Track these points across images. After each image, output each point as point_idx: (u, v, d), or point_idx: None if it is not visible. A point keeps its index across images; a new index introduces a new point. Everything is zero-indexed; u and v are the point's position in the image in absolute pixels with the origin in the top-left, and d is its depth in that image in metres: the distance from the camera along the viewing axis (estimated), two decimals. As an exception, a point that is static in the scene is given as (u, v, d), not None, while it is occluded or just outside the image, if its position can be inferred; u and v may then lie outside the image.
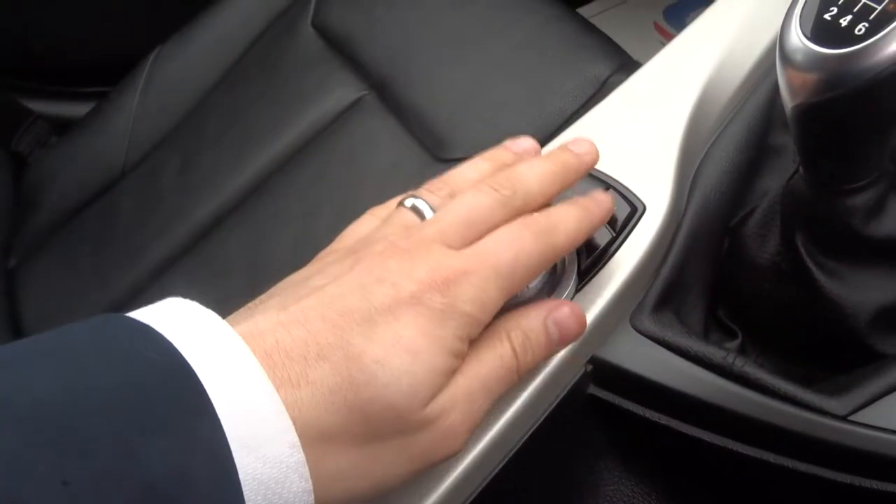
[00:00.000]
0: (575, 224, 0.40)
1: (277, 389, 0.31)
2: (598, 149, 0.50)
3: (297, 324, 0.34)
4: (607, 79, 0.81)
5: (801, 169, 0.43)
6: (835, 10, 0.36)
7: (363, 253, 0.37)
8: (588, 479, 0.50)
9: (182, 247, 0.90)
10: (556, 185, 0.41)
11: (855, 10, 0.35)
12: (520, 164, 0.42)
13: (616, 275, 0.46)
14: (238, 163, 0.92)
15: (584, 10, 1.40)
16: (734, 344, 0.50)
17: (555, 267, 0.45)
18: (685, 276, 0.48)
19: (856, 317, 0.44)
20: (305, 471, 0.31)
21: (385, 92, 0.89)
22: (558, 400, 0.46)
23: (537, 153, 0.45)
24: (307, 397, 0.32)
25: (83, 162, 1.03)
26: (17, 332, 0.91)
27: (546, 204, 0.41)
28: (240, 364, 0.31)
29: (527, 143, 0.45)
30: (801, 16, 0.37)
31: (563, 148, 0.43)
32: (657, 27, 1.42)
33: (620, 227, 0.47)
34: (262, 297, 0.37)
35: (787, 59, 0.37)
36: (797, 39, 0.36)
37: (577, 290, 0.46)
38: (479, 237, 0.38)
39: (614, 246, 0.47)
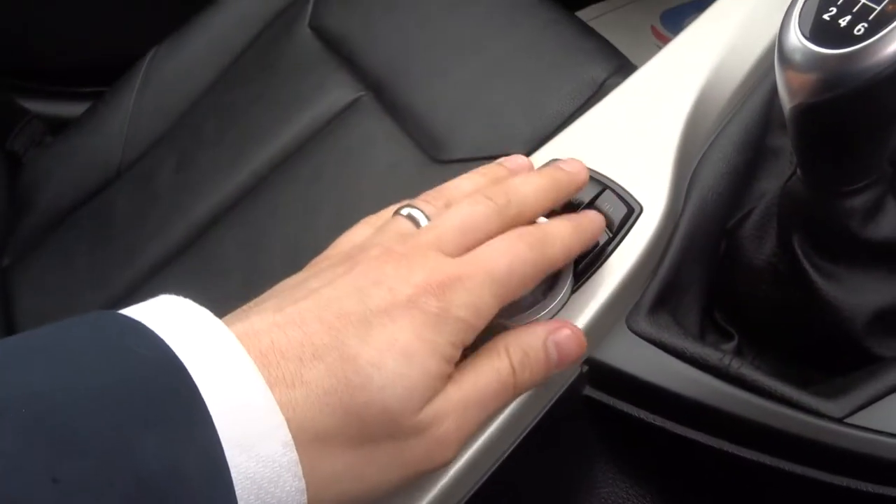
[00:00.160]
0: (569, 236, 0.41)
1: (272, 388, 0.31)
2: (595, 150, 0.50)
3: (293, 325, 0.34)
4: (604, 81, 0.81)
5: (798, 171, 0.43)
6: (834, 10, 0.36)
7: (359, 258, 0.37)
8: (583, 480, 0.50)
9: (178, 246, 0.90)
10: (549, 200, 0.42)
11: (854, 10, 0.35)
12: (514, 177, 0.42)
13: (612, 276, 0.46)
14: (235, 163, 0.91)
15: (582, 14, 1.40)
16: (731, 346, 0.50)
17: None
18: (682, 277, 0.48)
19: (853, 319, 0.44)
20: (298, 470, 0.31)
21: (382, 93, 0.89)
22: (554, 401, 0.45)
23: (531, 170, 0.45)
24: (301, 398, 0.32)
25: (79, 161, 1.03)
26: (11, 331, 0.90)
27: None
28: (232, 361, 0.31)
29: (521, 160, 0.46)
30: (800, 16, 0.37)
31: (556, 166, 0.44)
32: (654, 31, 1.42)
33: (617, 228, 0.47)
34: (258, 299, 0.37)
35: (785, 60, 0.37)
36: (796, 39, 0.36)
37: (573, 290, 0.46)
38: (475, 245, 0.38)
39: (611, 247, 0.47)
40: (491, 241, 0.38)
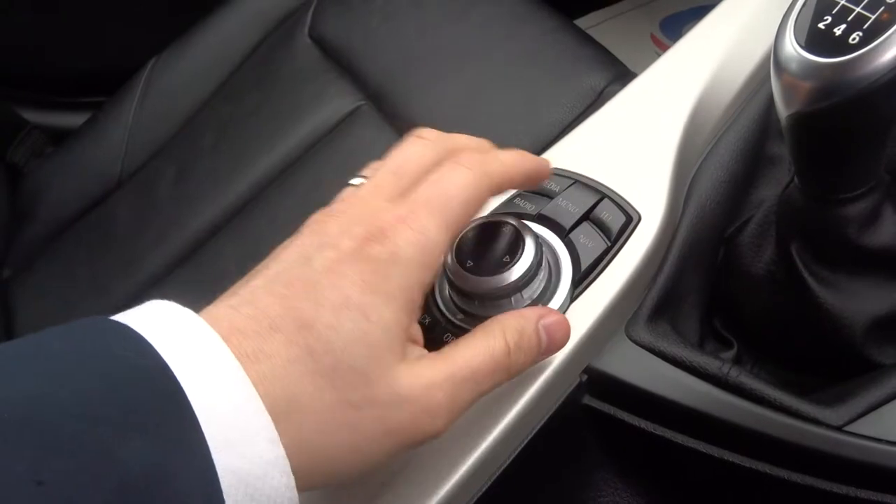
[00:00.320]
0: (509, 156, 0.40)
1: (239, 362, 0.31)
2: (594, 158, 0.50)
3: (246, 304, 0.34)
4: (603, 89, 0.81)
5: (796, 179, 0.43)
6: (829, 19, 0.36)
7: (302, 229, 0.37)
8: (583, 490, 0.50)
9: (178, 256, 0.90)
10: (484, 146, 0.41)
11: (849, 19, 0.35)
12: None
13: (611, 284, 0.46)
14: (234, 173, 0.92)
15: (581, 22, 1.41)
16: (730, 354, 0.50)
17: (549, 276, 0.45)
18: (681, 285, 0.48)
19: (851, 326, 0.44)
20: (286, 466, 0.31)
21: (382, 102, 0.89)
22: (553, 410, 0.45)
23: None
24: (268, 370, 0.32)
25: (79, 172, 1.03)
26: (12, 342, 0.90)
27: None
28: (216, 360, 0.31)
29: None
30: (795, 25, 0.37)
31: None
32: (654, 39, 1.42)
33: (615, 236, 0.47)
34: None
35: (781, 68, 0.37)
36: (792, 48, 0.36)
37: (573, 299, 0.46)
38: (415, 185, 0.38)
39: (609, 255, 0.47)
40: (428, 175, 0.38)
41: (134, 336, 0.31)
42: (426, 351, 0.38)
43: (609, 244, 0.47)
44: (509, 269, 0.42)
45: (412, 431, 0.35)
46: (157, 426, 0.29)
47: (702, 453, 0.44)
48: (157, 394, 0.29)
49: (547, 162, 0.43)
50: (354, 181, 0.40)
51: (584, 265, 0.46)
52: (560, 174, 0.50)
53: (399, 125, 0.86)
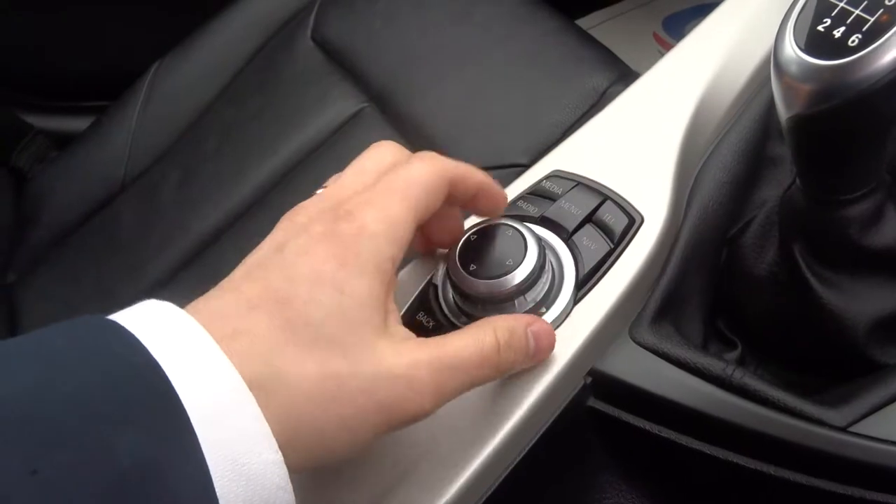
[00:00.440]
0: (465, 165, 0.42)
1: (217, 343, 0.32)
2: (596, 160, 0.50)
3: (227, 292, 0.35)
4: (606, 90, 0.81)
5: (797, 180, 0.43)
6: (828, 21, 0.36)
7: (276, 227, 0.39)
8: (588, 492, 0.50)
9: (182, 260, 0.90)
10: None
11: (848, 21, 0.35)
12: None
13: (614, 286, 0.46)
14: (238, 176, 0.92)
15: (582, 22, 1.40)
16: (733, 355, 0.50)
17: (553, 279, 0.45)
18: (684, 287, 0.48)
19: (854, 327, 0.44)
20: (273, 443, 0.32)
21: (385, 104, 0.89)
22: (558, 412, 0.45)
23: None
24: (248, 346, 0.33)
25: (83, 176, 1.03)
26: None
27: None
28: (206, 356, 0.32)
29: None
30: (795, 27, 0.37)
31: None
32: (656, 37, 1.42)
33: (618, 238, 0.47)
34: None
35: (781, 71, 0.37)
36: (791, 51, 0.36)
37: (576, 302, 0.46)
38: (377, 180, 0.39)
39: (612, 257, 0.47)
40: (391, 168, 0.40)
41: (126, 334, 0.31)
42: (414, 335, 0.38)
43: (612, 246, 0.47)
44: (512, 272, 0.42)
45: (398, 408, 0.35)
46: (150, 421, 0.29)
47: (706, 455, 0.44)
48: (150, 390, 0.30)
49: (503, 193, 0.45)
50: (319, 191, 0.42)
51: (587, 267, 0.46)
52: (562, 176, 0.50)
53: (402, 127, 0.86)
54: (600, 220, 0.47)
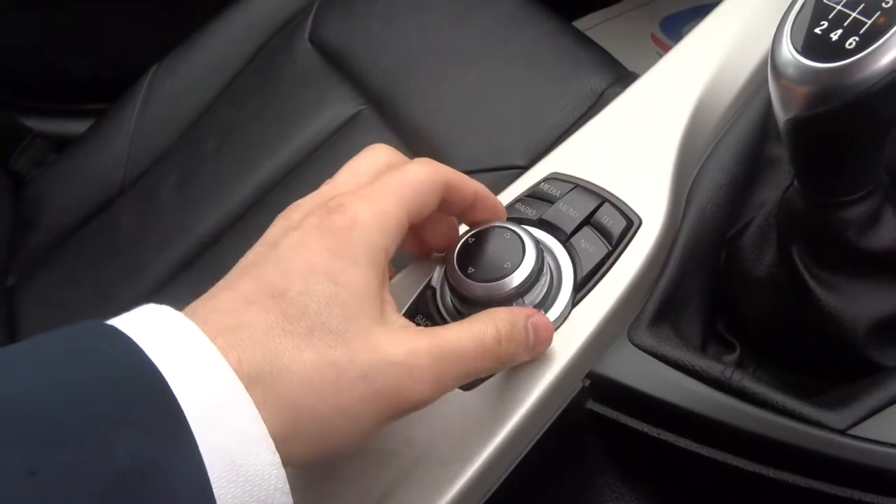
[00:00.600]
0: (459, 173, 0.42)
1: (215, 339, 0.32)
2: (594, 162, 0.50)
3: (223, 290, 0.36)
4: (603, 92, 0.81)
5: (795, 182, 0.43)
6: (825, 24, 0.36)
7: (271, 225, 0.39)
8: (587, 494, 0.50)
9: (182, 262, 0.90)
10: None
11: (845, 24, 0.35)
12: None
13: (613, 289, 0.46)
14: (237, 178, 0.92)
15: (579, 23, 1.40)
16: (732, 357, 0.50)
17: (551, 282, 0.45)
18: (682, 289, 0.48)
19: (853, 329, 0.44)
20: (270, 443, 0.32)
21: (382, 106, 0.89)
22: (556, 415, 0.45)
23: None
24: (247, 338, 0.33)
25: (82, 179, 1.03)
26: (17, 350, 0.90)
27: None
28: (202, 357, 0.32)
29: None
30: (792, 30, 0.37)
31: None
32: (654, 38, 1.42)
33: (616, 240, 0.47)
34: None
35: (778, 73, 0.37)
36: (788, 53, 0.36)
37: (574, 304, 0.46)
38: (371, 180, 0.40)
39: (610, 260, 0.47)
40: (385, 170, 0.40)
41: (123, 338, 0.32)
42: (412, 324, 0.38)
43: (610, 248, 0.47)
44: (510, 275, 0.42)
45: (397, 395, 0.35)
46: (149, 422, 0.30)
47: (705, 457, 0.44)
48: (148, 392, 0.30)
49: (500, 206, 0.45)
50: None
51: (586, 270, 0.46)
52: (560, 178, 0.50)
53: (400, 129, 0.86)
54: (598, 222, 0.48)
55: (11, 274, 1.00)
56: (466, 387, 0.44)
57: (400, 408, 0.36)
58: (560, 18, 0.91)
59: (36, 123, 1.16)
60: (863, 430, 0.40)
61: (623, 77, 0.82)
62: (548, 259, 0.45)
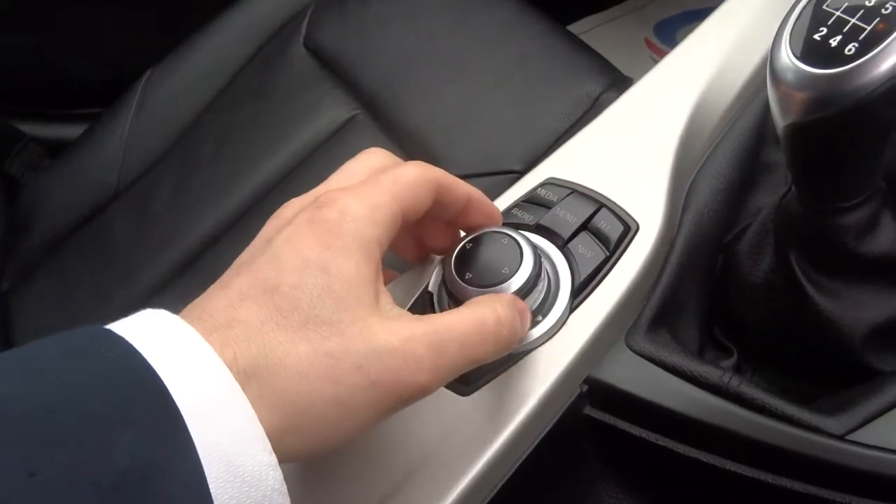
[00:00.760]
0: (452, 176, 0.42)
1: (210, 336, 0.32)
2: (591, 167, 0.50)
3: (218, 289, 0.36)
4: (599, 96, 0.81)
5: (793, 187, 0.43)
6: (824, 30, 0.36)
7: (265, 225, 0.40)
8: (585, 501, 0.50)
9: (177, 267, 0.90)
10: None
11: (844, 30, 0.35)
12: None
13: (610, 294, 0.46)
14: (232, 183, 0.92)
15: (573, 27, 1.41)
16: (730, 362, 0.50)
17: (548, 287, 0.45)
18: (680, 294, 0.48)
19: (851, 334, 0.44)
20: (267, 444, 0.32)
21: (377, 111, 0.89)
22: (554, 421, 0.45)
23: None
24: (241, 333, 0.33)
25: (76, 184, 1.03)
26: (10, 356, 0.90)
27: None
28: (196, 357, 0.32)
29: None
30: (791, 36, 0.37)
31: None
32: (648, 43, 1.43)
33: (614, 246, 0.47)
34: None
35: (777, 79, 0.37)
36: (787, 59, 0.36)
37: (572, 310, 0.46)
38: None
39: (608, 265, 0.47)
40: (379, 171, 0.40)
41: (120, 340, 0.32)
42: (408, 312, 0.38)
43: (607, 254, 0.47)
44: (508, 280, 0.42)
45: (394, 384, 0.35)
46: (149, 423, 0.30)
47: (703, 463, 0.44)
48: (147, 393, 0.30)
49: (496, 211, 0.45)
50: None
51: (583, 275, 0.46)
52: (557, 184, 0.50)
53: (395, 134, 0.86)
54: (596, 227, 0.47)
55: (5, 278, 1.00)
56: (464, 392, 0.44)
57: (399, 397, 0.35)
58: (555, 23, 0.91)
59: (30, 128, 1.15)
60: (861, 435, 0.40)
61: (618, 81, 0.82)
62: (545, 264, 0.45)
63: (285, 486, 0.32)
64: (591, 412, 0.47)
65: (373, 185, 0.38)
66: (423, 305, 0.46)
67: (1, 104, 1.16)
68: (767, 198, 0.51)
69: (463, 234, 0.45)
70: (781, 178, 0.52)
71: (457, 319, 0.37)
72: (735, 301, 0.50)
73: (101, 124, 1.05)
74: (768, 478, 0.43)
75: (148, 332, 0.32)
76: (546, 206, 0.49)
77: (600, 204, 0.48)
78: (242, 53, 1.02)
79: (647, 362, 0.45)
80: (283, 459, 0.33)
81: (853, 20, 0.35)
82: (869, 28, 0.35)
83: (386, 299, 0.37)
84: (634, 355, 0.46)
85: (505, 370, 0.44)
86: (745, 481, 0.43)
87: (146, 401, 0.30)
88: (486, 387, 0.44)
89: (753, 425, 0.42)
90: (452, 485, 0.42)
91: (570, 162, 0.52)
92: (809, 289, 0.45)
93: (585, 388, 0.46)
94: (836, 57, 0.35)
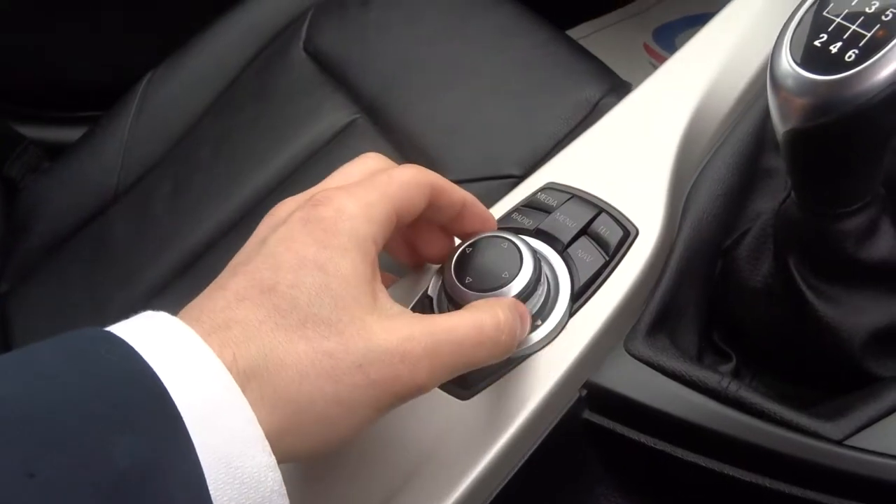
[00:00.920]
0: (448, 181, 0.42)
1: (209, 337, 0.32)
2: (590, 172, 0.50)
3: (215, 290, 0.36)
4: (598, 101, 0.81)
5: (792, 193, 0.43)
6: (825, 36, 0.36)
7: (259, 224, 0.40)
8: (584, 504, 0.50)
9: (176, 270, 0.90)
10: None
11: (845, 36, 0.35)
12: None
13: (609, 299, 0.46)
14: (231, 186, 0.92)
15: (573, 32, 1.41)
16: (729, 367, 0.50)
17: (548, 291, 0.45)
18: (679, 299, 0.48)
19: (850, 340, 0.44)
20: (266, 445, 0.32)
21: (377, 115, 0.89)
22: (553, 425, 0.45)
23: None
24: (240, 334, 0.33)
25: (75, 187, 1.03)
26: (9, 358, 0.90)
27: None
28: (196, 359, 0.32)
29: None
30: (791, 42, 0.37)
31: None
32: (647, 48, 1.43)
33: (613, 251, 0.47)
34: None
35: (778, 85, 0.37)
36: (788, 65, 0.37)
37: (571, 314, 0.46)
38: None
39: (607, 270, 0.47)
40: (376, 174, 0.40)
41: (120, 342, 0.32)
42: (408, 310, 0.38)
43: (607, 259, 0.47)
44: (508, 284, 0.42)
45: (393, 383, 0.35)
46: (148, 423, 0.30)
47: (702, 467, 0.44)
48: (146, 394, 0.30)
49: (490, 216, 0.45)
50: None
51: (583, 280, 0.46)
52: (557, 189, 0.50)
53: (394, 138, 0.86)
54: (595, 232, 0.48)
55: (5, 280, 1.00)
56: (463, 395, 0.44)
57: (397, 396, 0.35)
58: (554, 28, 0.91)
59: (29, 131, 1.15)
60: (859, 440, 0.41)
61: (618, 86, 0.82)
62: (545, 269, 0.45)
63: (284, 488, 0.33)
64: (590, 416, 0.47)
65: (367, 185, 0.38)
66: (423, 309, 0.46)
67: (1, 106, 1.16)
68: (767, 203, 0.52)
69: (458, 241, 0.45)
70: (781, 183, 0.52)
71: (456, 322, 0.37)
72: (734, 306, 0.50)
73: (101, 127, 1.05)
74: (766, 482, 0.43)
75: (147, 334, 0.32)
76: (546, 210, 0.49)
77: (600, 209, 0.48)
78: (242, 57, 1.02)
79: (645, 367, 0.45)
80: (283, 459, 0.33)
81: (853, 27, 0.35)
82: (869, 34, 0.35)
83: (384, 297, 0.37)
84: (633, 360, 0.46)
85: (504, 374, 0.44)
86: (743, 486, 0.43)
87: (146, 402, 0.30)
88: (486, 390, 0.44)
89: (752, 430, 0.42)
90: (451, 488, 0.42)
91: (570, 167, 0.52)
92: (808, 294, 0.45)
93: (584, 392, 0.46)
94: (837, 63, 0.35)
